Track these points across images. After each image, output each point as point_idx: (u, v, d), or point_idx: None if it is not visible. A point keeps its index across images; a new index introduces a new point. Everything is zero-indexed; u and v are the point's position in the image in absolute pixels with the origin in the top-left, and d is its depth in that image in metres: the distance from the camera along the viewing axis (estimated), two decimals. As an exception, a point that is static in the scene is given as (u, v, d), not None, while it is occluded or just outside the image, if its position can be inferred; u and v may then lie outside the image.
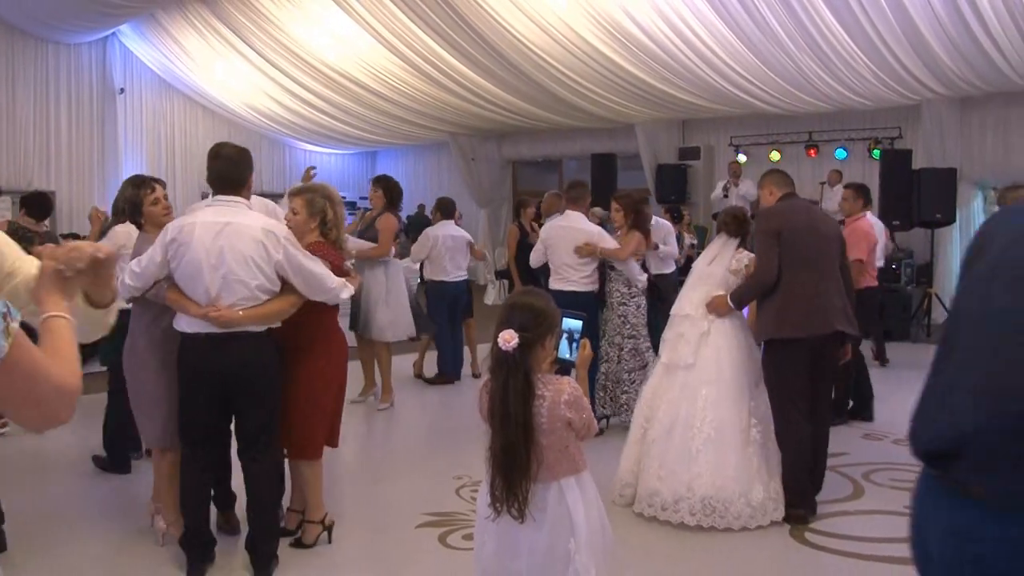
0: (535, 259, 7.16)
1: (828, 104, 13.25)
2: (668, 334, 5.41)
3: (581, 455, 2.96)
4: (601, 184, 14.88)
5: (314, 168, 7.58)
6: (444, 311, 8.64)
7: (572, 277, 6.78)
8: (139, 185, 4.64)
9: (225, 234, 3.98)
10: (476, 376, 9.26)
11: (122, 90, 17.84)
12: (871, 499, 5.46)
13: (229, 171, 4.22)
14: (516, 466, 2.78)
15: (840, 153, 14.06)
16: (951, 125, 12.74)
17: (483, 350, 9.80)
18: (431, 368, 9.02)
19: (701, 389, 5.00)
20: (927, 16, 10.27)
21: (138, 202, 4.56)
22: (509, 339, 2.75)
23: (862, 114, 13.53)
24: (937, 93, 12.32)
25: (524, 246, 9.87)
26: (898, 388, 7.17)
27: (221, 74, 16.97)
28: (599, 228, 6.99)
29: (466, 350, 9.24)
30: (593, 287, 6.82)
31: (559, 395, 2.84)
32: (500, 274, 11.93)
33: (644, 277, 6.92)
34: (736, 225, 5.43)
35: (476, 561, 3.06)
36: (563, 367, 3.03)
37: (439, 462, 6.22)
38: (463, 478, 5.69)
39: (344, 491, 5.33)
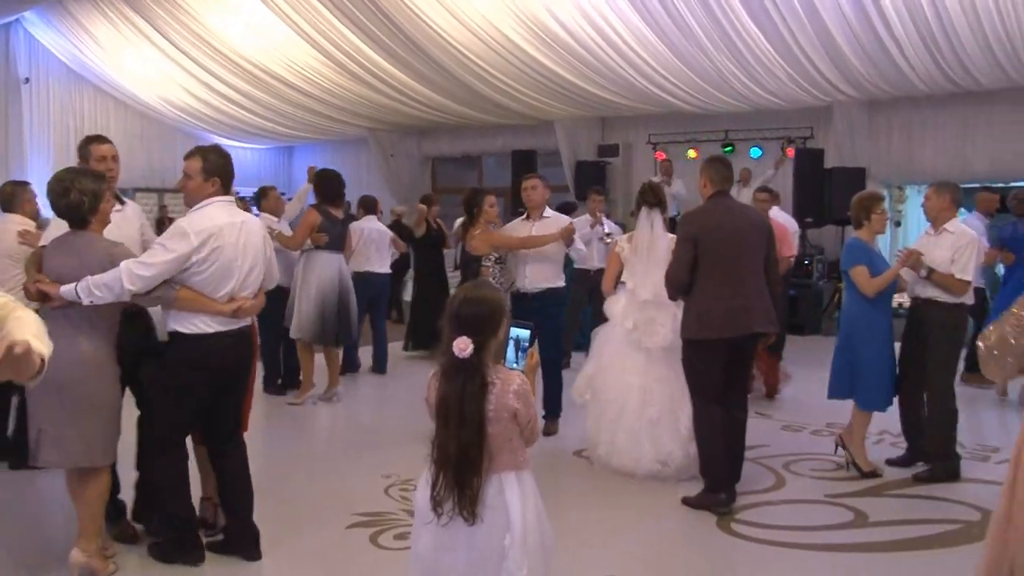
0: None
1: (744, 104, 13.54)
2: (638, 318, 5.75)
3: (524, 452, 2.96)
4: (522, 182, 14.93)
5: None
6: (364, 302, 8.59)
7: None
8: (100, 178, 4.21)
9: (244, 232, 4.18)
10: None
11: (27, 80, 17.15)
12: (792, 488, 5.64)
13: (231, 170, 4.29)
14: (470, 467, 2.78)
15: (755, 152, 14.38)
16: (860, 126, 13.16)
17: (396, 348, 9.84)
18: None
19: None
20: (839, 21, 10.61)
21: (100, 196, 4.13)
22: (464, 347, 2.75)
23: (776, 114, 13.86)
24: (847, 95, 12.72)
25: (430, 241, 10.02)
26: (811, 381, 7.38)
27: (133, 65, 16.49)
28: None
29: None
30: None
31: (508, 384, 2.85)
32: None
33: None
34: (653, 195, 5.94)
35: (413, 556, 3.04)
36: None
37: (366, 461, 6.17)
38: (391, 477, 5.67)
39: (271, 492, 5.24)
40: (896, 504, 5.30)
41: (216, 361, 4.19)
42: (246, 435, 4.61)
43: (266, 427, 6.89)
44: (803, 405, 7.72)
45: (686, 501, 5.25)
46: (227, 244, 4.09)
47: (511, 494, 2.86)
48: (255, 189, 18.65)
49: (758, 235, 5.27)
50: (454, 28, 12.43)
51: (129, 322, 4.25)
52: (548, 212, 6.93)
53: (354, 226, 8.72)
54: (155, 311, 4.35)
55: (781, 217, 10.61)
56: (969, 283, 5.62)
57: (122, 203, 4.63)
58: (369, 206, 9.52)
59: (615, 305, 6.04)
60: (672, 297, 5.38)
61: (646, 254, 5.83)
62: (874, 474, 5.77)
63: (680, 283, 5.19)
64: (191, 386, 4.19)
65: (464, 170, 18.89)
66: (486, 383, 2.80)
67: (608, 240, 8.19)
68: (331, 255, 7.53)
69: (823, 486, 5.66)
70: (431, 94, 15.09)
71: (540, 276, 6.65)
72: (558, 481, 5.65)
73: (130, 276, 3.89)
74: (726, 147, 14.68)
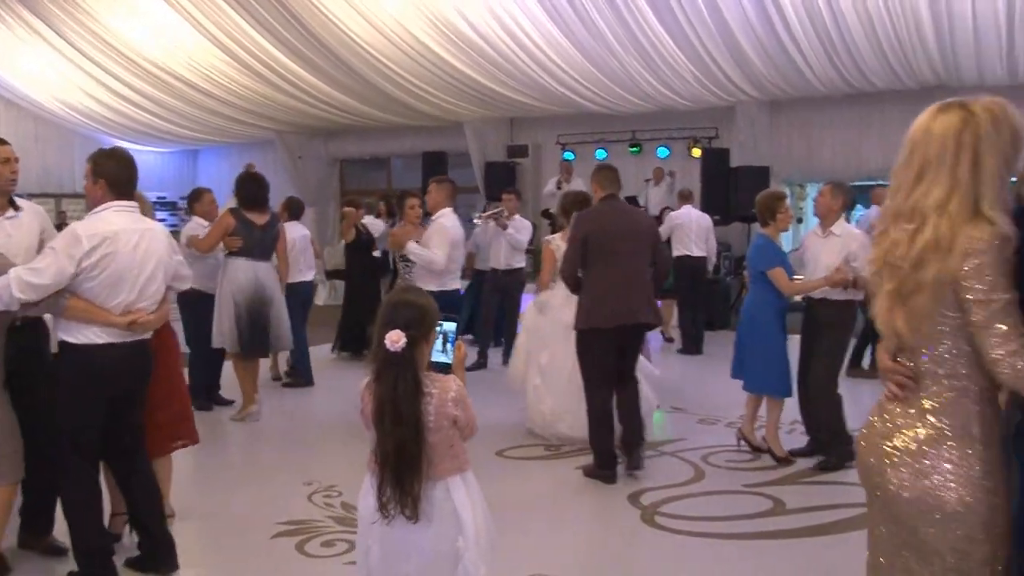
0: (443, 259, 6.85)
1: (651, 104, 13.80)
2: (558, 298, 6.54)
3: (465, 454, 2.99)
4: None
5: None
6: (299, 312, 8.41)
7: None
8: None
9: (145, 239, 3.99)
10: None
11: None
12: (711, 480, 5.79)
13: (133, 175, 4.09)
14: (408, 466, 2.78)
15: (662, 151, 14.66)
16: (762, 126, 13.55)
17: (315, 352, 9.72)
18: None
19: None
20: (742, 23, 10.92)
21: None
22: (397, 339, 2.74)
23: (682, 114, 14.16)
24: (750, 96, 13.08)
25: (359, 245, 9.88)
26: (722, 375, 7.56)
27: (28, 65, 15.89)
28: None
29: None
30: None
31: (446, 393, 2.86)
32: (330, 274, 11.78)
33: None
34: (580, 205, 6.38)
35: (361, 568, 3.02)
36: (438, 369, 3.03)
37: (288, 469, 6.08)
38: (314, 483, 5.61)
39: (192, 506, 5.13)
40: (811, 491, 5.49)
41: (109, 373, 3.96)
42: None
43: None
44: (717, 399, 7.91)
45: (583, 469, 5.83)
46: (121, 251, 3.88)
47: (459, 497, 2.89)
48: (160, 193, 18.28)
49: (644, 235, 5.79)
50: (363, 30, 12.36)
51: (16, 335, 4.03)
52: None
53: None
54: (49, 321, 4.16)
55: (695, 215, 10.90)
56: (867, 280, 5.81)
57: (16, 209, 4.28)
58: (295, 210, 9.06)
59: (555, 297, 6.62)
60: (572, 291, 5.82)
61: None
62: (788, 460, 5.98)
63: (572, 279, 5.73)
64: (82, 400, 3.96)
65: (373, 172, 18.79)
66: (419, 381, 2.81)
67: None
68: (247, 262, 7.14)
69: (741, 477, 5.82)
70: (339, 96, 14.96)
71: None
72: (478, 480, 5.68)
73: (20, 284, 3.66)
74: (633, 147, 14.95)
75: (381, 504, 2.80)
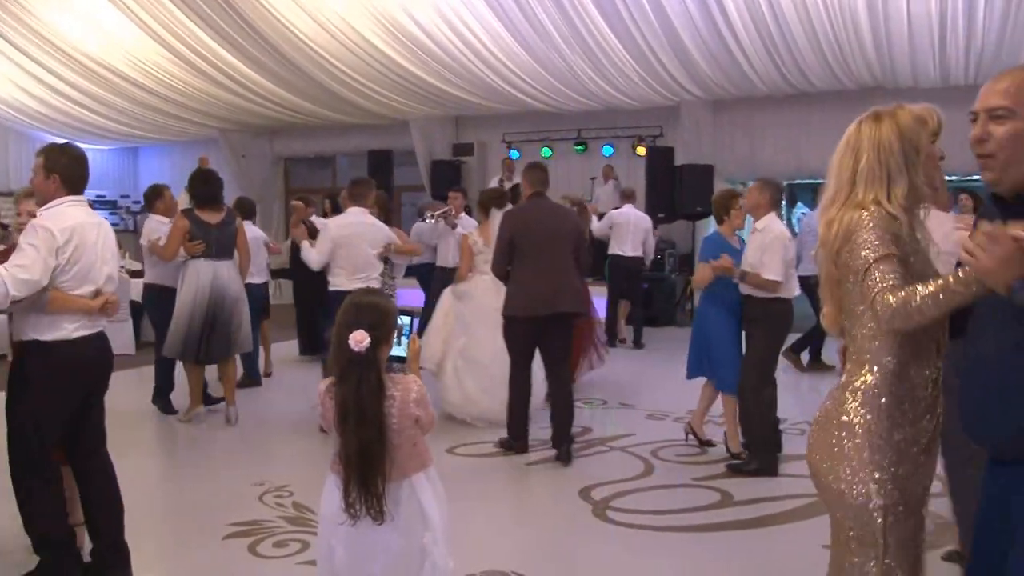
0: (320, 260, 6.80)
1: (596, 103, 13.91)
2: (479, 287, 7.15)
3: (427, 450, 3.02)
4: (378, 181, 14.83)
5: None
6: (254, 315, 8.30)
7: (373, 275, 6.76)
8: None
9: (102, 231, 4.08)
10: (267, 375, 9.10)
11: None
12: (660, 474, 5.87)
13: (86, 172, 4.14)
14: (372, 467, 2.79)
15: (607, 150, 14.78)
16: (706, 125, 13.74)
17: (275, 349, 9.65)
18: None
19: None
20: (687, 24, 11.06)
21: None
22: (361, 339, 2.77)
23: (627, 113, 14.29)
24: (694, 95, 13.26)
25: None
26: (670, 371, 7.69)
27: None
28: (384, 226, 7.09)
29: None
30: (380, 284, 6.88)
31: (408, 393, 2.89)
32: (275, 273, 11.68)
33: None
34: (501, 198, 7.20)
35: (324, 570, 3.02)
36: (393, 362, 3.07)
37: (238, 470, 6.02)
38: (265, 484, 5.57)
39: (143, 508, 5.06)
40: (758, 483, 5.58)
41: (84, 366, 4.02)
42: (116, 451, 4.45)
43: (133, 441, 6.64)
44: (665, 394, 8.03)
45: (498, 442, 6.42)
46: (87, 243, 3.94)
47: (424, 494, 2.92)
48: (100, 192, 17.91)
49: (567, 232, 6.24)
50: (309, 27, 12.26)
51: None
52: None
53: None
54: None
55: (633, 215, 11.00)
56: (777, 282, 5.71)
57: None
58: (247, 210, 8.92)
59: (477, 287, 7.19)
60: (502, 280, 6.32)
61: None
62: (741, 456, 6.07)
63: (500, 270, 6.26)
64: (60, 398, 3.97)
65: (318, 170, 18.65)
66: (383, 381, 2.84)
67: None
68: (207, 263, 6.97)
69: (689, 470, 5.92)
70: (284, 93, 14.82)
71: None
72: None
73: (15, 282, 3.68)
74: (579, 145, 15.05)
75: (347, 505, 2.80)
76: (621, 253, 10.84)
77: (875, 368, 2.40)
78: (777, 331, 5.93)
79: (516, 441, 6.31)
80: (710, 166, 13.13)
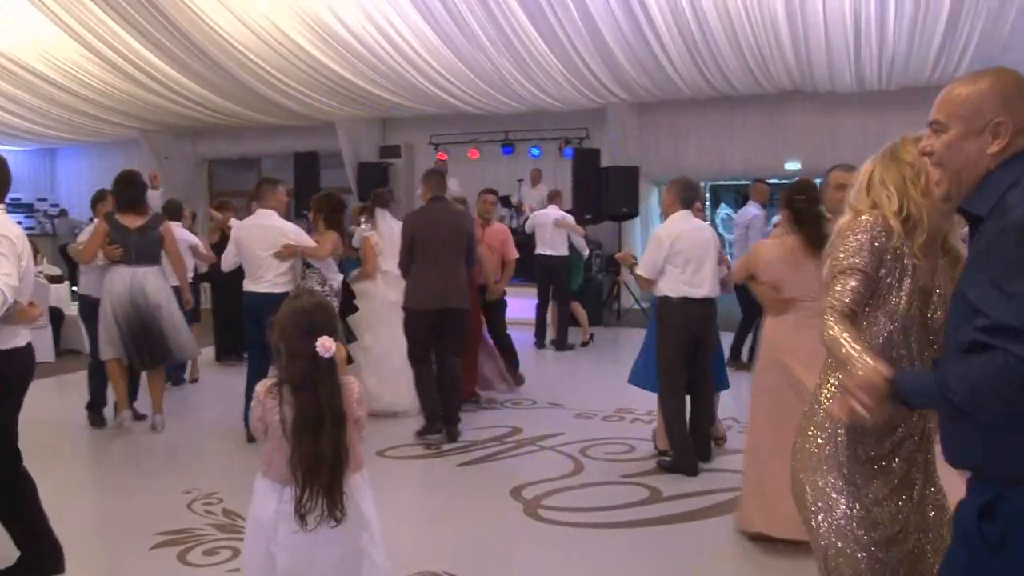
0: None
1: (523, 105, 13.99)
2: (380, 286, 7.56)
3: (362, 452, 3.06)
4: (304, 183, 14.79)
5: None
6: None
7: (267, 277, 6.67)
8: None
9: (25, 240, 3.99)
10: (194, 380, 8.97)
11: None
12: (590, 472, 5.94)
13: (10, 178, 4.07)
14: (338, 470, 2.82)
15: (534, 152, 14.88)
16: (632, 127, 13.93)
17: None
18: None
19: None
20: (612, 27, 11.20)
21: None
22: (329, 345, 2.79)
23: (554, 115, 14.40)
24: (620, 98, 13.42)
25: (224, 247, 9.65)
26: (598, 370, 7.78)
27: None
28: (294, 226, 6.93)
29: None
30: (288, 287, 6.67)
31: (351, 394, 2.93)
32: (201, 278, 11.47)
33: (340, 277, 7.04)
34: (382, 199, 7.81)
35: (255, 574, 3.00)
36: None
37: (165, 477, 5.93)
38: (193, 491, 5.49)
39: (68, 518, 4.96)
40: (685, 479, 5.69)
41: (31, 372, 4.10)
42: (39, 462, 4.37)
43: (57, 451, 6.48)
44: (593, 393, 8.14)
45: (417, 432, 6.74)
46: (27, 251, 3.91)
47: (360, 494, 2.96)
48: (15, 195, 17.32)
49: (460, 235, 6.77)
50: (233, 27, 12.09)
51: None
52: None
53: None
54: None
55: (552, 216, 10.98)
56: (642, 277, 5.90)
57: None
58: (173, 211, 8.73)
59: (377, 285, 7.53)
60: (405, 277, 6.82)
61: (389, 241, 7.39)
62: (667, 454, 6.15)
63: (403, 267, 6.78)
64: (16, 403, 4.03)
65: (243, 172, 18.37)
66: (340, 382, 2.87)
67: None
68: (125, 268, 6.76)
69: (618, 468, 6.00)
70: (208, 94, 14.59)
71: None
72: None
73: (10, 290, 3.67)
74: (505, 147, 15.12)
75: (300, 510, 2.79)
76: (543, 252, 10.90)
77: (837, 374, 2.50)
78: (664, 332, 5.89)
79: (433, 430, 6.70)
80: (635, 168, 13.32)
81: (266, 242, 6.67)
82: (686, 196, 6.00)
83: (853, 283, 2.40)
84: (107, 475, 6.34)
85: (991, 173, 2.03)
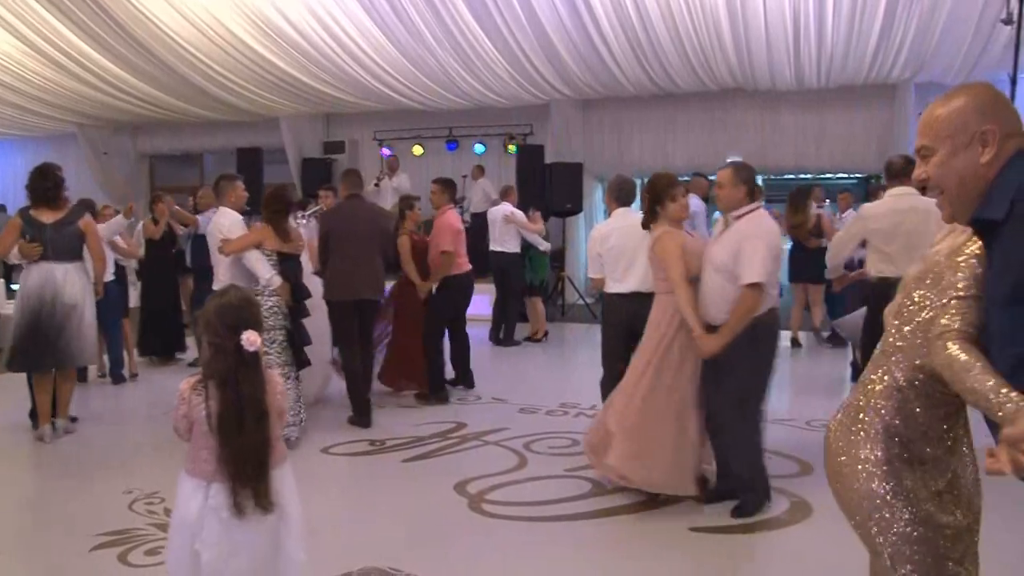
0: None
1: (468, 101, 14.02)
2: None
3: (284, 446, 3.10)
4: (247, 179, 14.57)
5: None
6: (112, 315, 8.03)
7: (219, 274, 6.60)
8: None
9: None
10: (135, 375, 8.84)
11: None
12: (534, 467, 5.98)
13: None
14: (265, 463, 2.87)
15: (479, 148, 14.91)
16: (575, 124, 14.02)
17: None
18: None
19: None
20: (556, 24, 11.27)
21: None
22: (254, 340, 2.84)
23: (498, 111, 14.45)
24: (564, 94, 13.51)
25: (161, 242, 9.54)
26: (542, 365, 7.83)
27: None
28: (232, 221, 6.68)
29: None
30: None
31: (275, 387, 2.97)
32: (138, 274, 11.31)
33: (269, 275, 6.40)
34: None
35: (180, 572, 3.02)
36: None
37: (106, 477, 5.83)
38: (134, 491, 5.42)
39: (8, 516, 4.89)
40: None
41: None
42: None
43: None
44: (537, 388, 8.19)
45: (349, 419, 7.04)
46: None
47: (283, 487, 3.00)
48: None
49: (375, 230, 7.11)
50: (173, 20, 11.93)
51: None
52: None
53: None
54: None
55: (500, 213, 11.01)
56: (591, 277, 6.17)
57: None
58: (94, 208, 8.61)
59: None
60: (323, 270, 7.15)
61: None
62: None
63: (322, 261, 7.14)
64: None
65: (184, 168, 18.17)
66: (265, 377, 2.91)
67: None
68: (40, 265, 6.54)
69: (562, 462, 6.05)
70: (148, 88, 14.38)
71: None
72: (299, 470, 5.68)
73: None
74: (450, 143, 15.13)
75: (237, 504, 2.83)
76: (494, 249, 10.92)
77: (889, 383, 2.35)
78: (603, 326, 6.12)
79: (362, 417, 7.01)
80: (579, 164, 13.42)
81: (214, 239, 6.62)
82: (621, 194, 6.08)
83: (975, 311, 2.12)
84: (48, 476, 6.22)
85: (997, 178, 2.03)
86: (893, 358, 2.33)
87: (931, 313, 2.21)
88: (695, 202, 10.14)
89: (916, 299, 2.28)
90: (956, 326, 2.10)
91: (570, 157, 13.59)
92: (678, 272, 4.96)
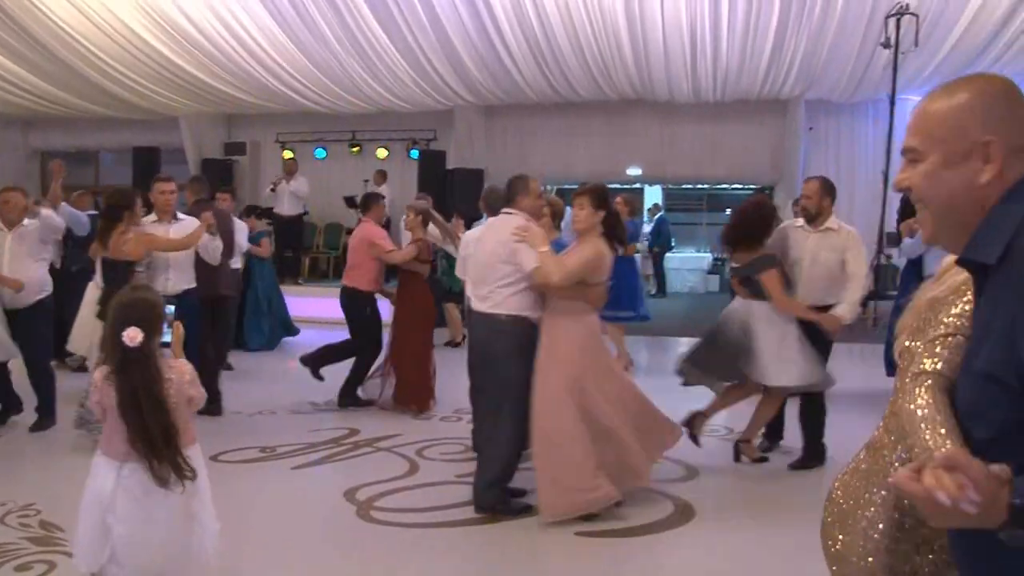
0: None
1: (371, 105, 14.00)
2: None
3: (195, 427, 3.38)
4: (144, 179, 14.30)
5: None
6: None
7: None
8: None
9: None
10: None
11: None
12: (425, 473, 6.01)
13: None
14: (171, 440, 3.15)
15: (381, 152, 14.89)
16: (478, 130, 14.13)
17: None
18: None
19: None
20: (459, 30, 11.36)
21: None
22: (134, 336, 3.09)
23: (401, 116, 14.46)
24: (467, 101, 13.59)
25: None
26: (439, 370, 7.85)
27: None
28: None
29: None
30: (163, 287, 6.65)
31: (183, 376, 3.29)
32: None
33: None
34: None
35: (92, 551, 3.21)
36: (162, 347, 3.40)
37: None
38: (8, 504, 5.25)
39: None
40: (516, 477, 5.84)
41: None
42: None
43: None
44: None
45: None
46: None
47: (196, 463, 3.29)
48: None
49: (225, 232, 7.46)
50: (68, 13, 11.64)
51: None
52: (180, 215, 7.01)
53: None
54: None
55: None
56: None
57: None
58: None
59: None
60: None
61: None
62: None
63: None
64: None
65: (79, 166, 17.60)
66: (159, 368, 3.19)
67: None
68: None
69: (453, 468, 6.09)
70: (39, 82, 13.99)
71: (180, 278, 6.83)
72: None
73: None
74: (353, 147, 15.07)
75: (159, 477, 3.13)
76: None
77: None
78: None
79: (212, 404, 6.76)
80: (481, 170, 13.52)
81: None
82: (491, 202, 6.21)
83: (958, 351, 1.80)
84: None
85: (996, 207, 1.58)
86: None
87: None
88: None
89: (909, 347, 1.98)
90: (938, 368, 1.79)
91: (472, 163, 13.68)
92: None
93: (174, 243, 6.69)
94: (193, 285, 6.86)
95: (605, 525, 4.97)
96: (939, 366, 1.79)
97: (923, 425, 1.68)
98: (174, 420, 3.20)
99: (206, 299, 7.18)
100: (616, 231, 5.30)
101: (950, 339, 1.82)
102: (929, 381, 1.76)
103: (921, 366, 1.81)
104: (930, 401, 1.72)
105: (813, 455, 6.05)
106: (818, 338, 5.81)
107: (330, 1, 11.07)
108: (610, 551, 4.71)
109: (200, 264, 7.01)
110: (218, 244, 7.15)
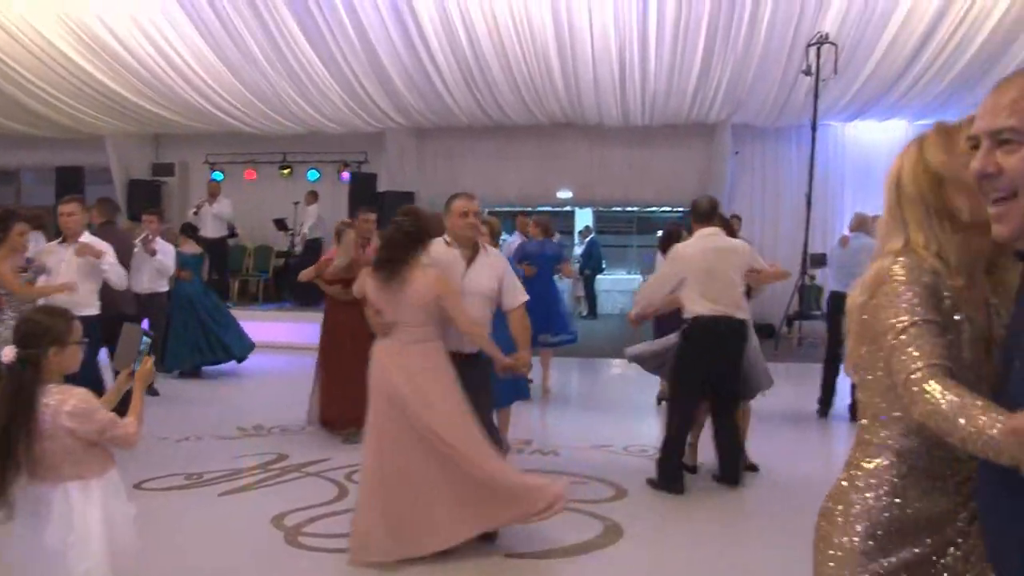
0: None
1: (301, 127, 13.91)
2: None
3: (94, 463, 3.19)
4: (59, 204, 14.01)
5: None
6: None
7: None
8: None
9: None
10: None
11: None
12: (354, 497, 5.87)
13: None
14: (11, 469, 3.01)
15: (312, 174, 14.80)
16: (410, 152, 14.14)
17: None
18: None
19: None
20: (389, 51, 11.37)
21: None
22: (8, 354, 3.03)
23: (332, 138, 14.40)
24: (398, 123, 13.60)
25: None
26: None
27: None
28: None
29: None
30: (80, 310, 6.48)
31: (62, 405, 3.07)
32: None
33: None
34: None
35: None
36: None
37: None
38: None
39: None
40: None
41: None
42: None
43: None
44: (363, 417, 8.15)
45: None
46: None
47: (75, 501, 3.12)
48: None
49: (124, 252, 7.45)
50: (-13, 29, 11.37)
51: None
52: (85, 237, 6.85)
53: None
54: None
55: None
56: None
57: None
58: None
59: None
60: None
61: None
62: None
63: None
64: None
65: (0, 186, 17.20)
66: (27, 391, 3.04)
67: None
68: None
69: (382, 492, 6.07)
70: (-45, 99, 13.59)
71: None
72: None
73: None
74: (284, 168, 14.96)
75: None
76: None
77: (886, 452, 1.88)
78: None
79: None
80: (412, 192, 13.53)
81: None
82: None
83: (932, 337, 1.70)
84: None
85: None
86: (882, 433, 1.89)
87: (883, 365, 1.78)
88: (517, 238, 10.34)
89: (865, 356, 1.88)
90: (922, 363, 1.65)
91: (404, 186, 13.67)
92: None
93: (15, 287, 6.30)
94: (95, 312, 6.76)
95: (535, 547, 4.99)
96: (926, 360, 1.65)
97: (959, 413, 1.51)
98: (18, 442, 3.00)
99: (106, 320, 6.81)
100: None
101: (915, 328, 1.69)
102: (930, 379, 1.61)
103: (910, 370, 1.66)
104: (946, 391, 1.56)
105: (735, 469, 6.21)
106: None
107: (259, 19, 10.98)
108: (540, 572, 4.72)
109: (106, 286, 6.99)
110: (120, 270, 7.00)
